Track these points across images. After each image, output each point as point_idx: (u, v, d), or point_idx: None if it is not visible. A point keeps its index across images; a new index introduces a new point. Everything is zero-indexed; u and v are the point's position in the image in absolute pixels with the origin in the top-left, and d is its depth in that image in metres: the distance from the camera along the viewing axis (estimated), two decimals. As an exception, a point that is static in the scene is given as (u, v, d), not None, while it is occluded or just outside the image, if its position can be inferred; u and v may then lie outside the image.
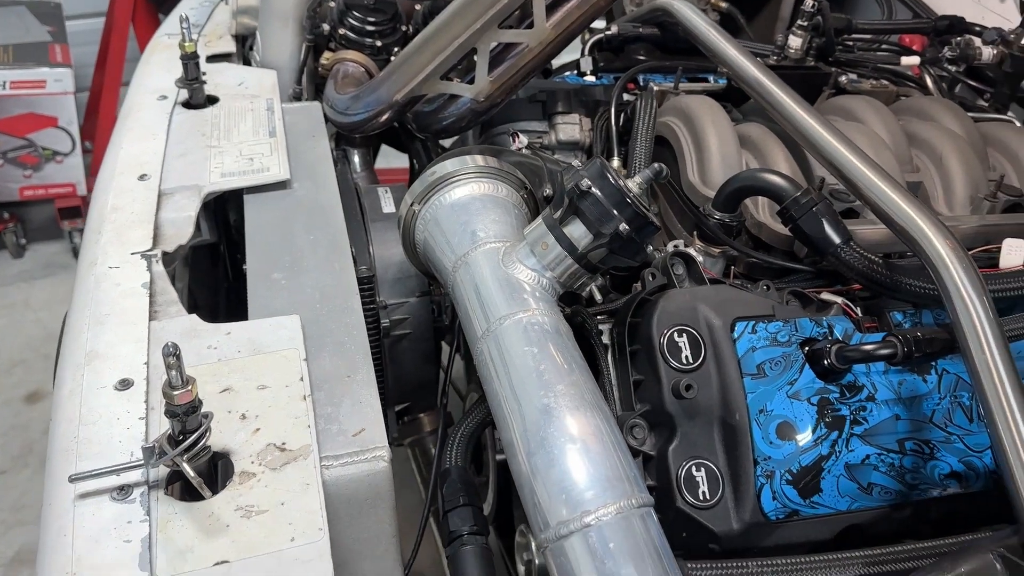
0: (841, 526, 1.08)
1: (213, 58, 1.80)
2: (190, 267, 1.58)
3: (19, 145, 3.61)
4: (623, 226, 1.01)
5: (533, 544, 1.07)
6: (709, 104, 1.44)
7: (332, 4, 1.77)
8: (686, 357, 1.07)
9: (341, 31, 1.74)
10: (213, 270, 1.86)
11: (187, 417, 0.82)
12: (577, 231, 1.04)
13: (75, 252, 3.89)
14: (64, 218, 3.84)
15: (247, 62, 1.94)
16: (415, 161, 2.03)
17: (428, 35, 1.42)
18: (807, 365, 1.08)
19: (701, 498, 1.03)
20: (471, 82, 1.43)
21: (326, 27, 1.76)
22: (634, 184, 1.03)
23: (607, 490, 0.83)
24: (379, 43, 1.75)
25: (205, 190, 1.32)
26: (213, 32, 1.93)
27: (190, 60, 1.51)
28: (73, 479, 0.84)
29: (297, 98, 1.80)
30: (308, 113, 1.60)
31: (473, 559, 1.11)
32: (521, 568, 1.13)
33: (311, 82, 1.81)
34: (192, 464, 0.82)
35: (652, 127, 1.42)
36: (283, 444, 0.92)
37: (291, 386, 0.99)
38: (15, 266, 3.86)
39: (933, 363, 1.12)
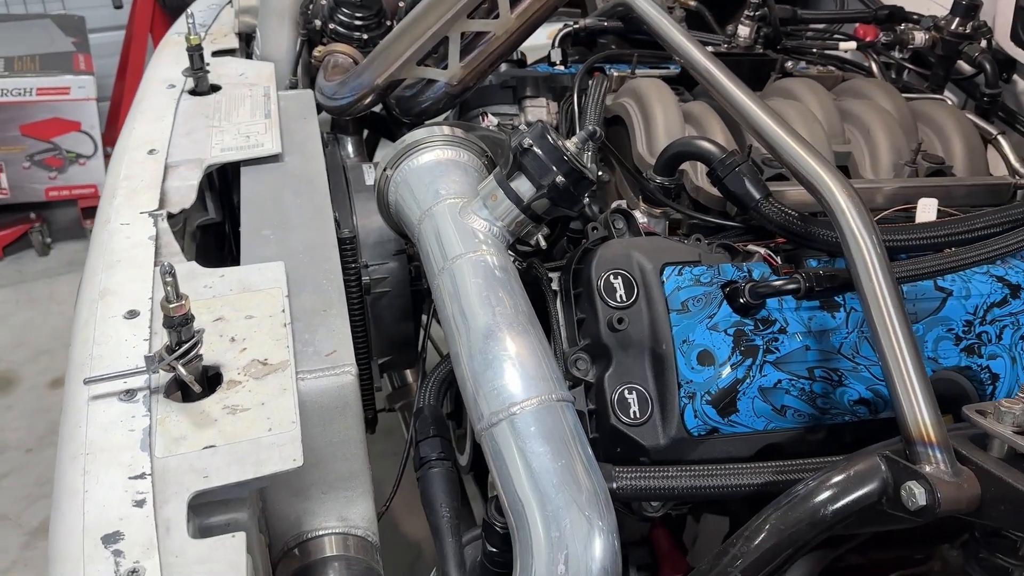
0: (760, 444, 1.21)
1: (218, 53, 1.98)
2: (197, 246, 1.75)
3: (45, 148, 3.81)
4: (560, 179, 1.17)
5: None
6: (657, 85, 1.59)
7: (323, 1, 1.94)
8: (620, 296, 1.22)
9: (331, 26, 1.91)
10: (219, 251, 2.03)
11: (182, 328, 0.98)
12: (523, 185, 1.20)
13: (96, 251, 4.09)
14: (87, 218, 4.02)
15: (250, 59, 2.12)
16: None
17: (405, 25, 1.58)
18: (725, 302, 1.23)
19: (632, 417, 1.18)
20: (445, 68, 1.59)
21: (318, 23, 1.93)
22: (571, 144, 1.19)
23: (531, 387, 0.98)
24: (365, 36, 1.92)
25: (206, 163, 1.49)
26: (219, 31, 2.11)
27: (195, 51, 1.68)
28: (87, 381, 1.00)
29: (293, 88, 1.96)
30: (300, 99, 1.77)
31: (439, 479, 1.27)
32: (492, 504, 1.27)
33: (306, 74, 1.98)
34: (186, 368, 0.99)
35: (600, 102, 1.57)
36: (265, 360, 1.08)
37: (274, 316, 1.15)
38: (41, 263, 4.06)
39: (842, 302, 1.26)
